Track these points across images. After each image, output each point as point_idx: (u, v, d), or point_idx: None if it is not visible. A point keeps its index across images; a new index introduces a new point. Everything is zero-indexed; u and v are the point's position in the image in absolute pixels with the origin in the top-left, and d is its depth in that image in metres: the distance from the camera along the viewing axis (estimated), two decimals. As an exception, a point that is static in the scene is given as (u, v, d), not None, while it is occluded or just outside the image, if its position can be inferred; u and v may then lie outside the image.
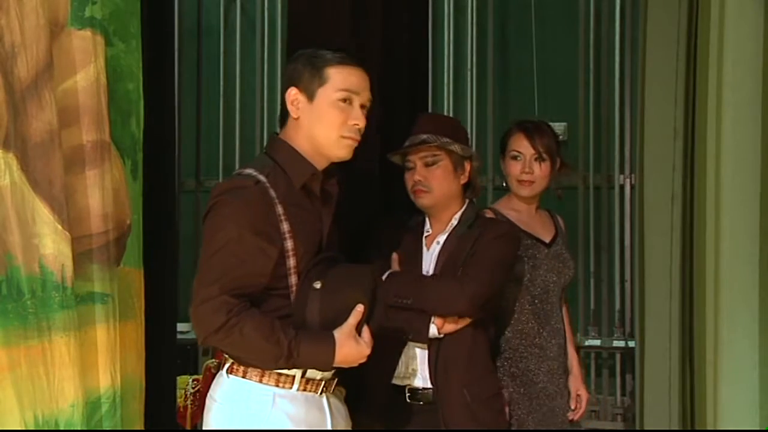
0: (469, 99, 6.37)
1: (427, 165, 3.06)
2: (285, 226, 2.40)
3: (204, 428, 2.49)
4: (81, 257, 2.40)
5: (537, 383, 3.27)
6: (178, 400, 5.30)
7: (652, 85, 3.28)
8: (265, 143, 7.45)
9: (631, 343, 5.48)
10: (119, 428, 2.47)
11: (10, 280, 2.27)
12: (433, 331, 2.92)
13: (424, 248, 3.10)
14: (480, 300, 2.92)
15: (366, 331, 2.42)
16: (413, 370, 3.00)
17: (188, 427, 5.43)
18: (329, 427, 2.49)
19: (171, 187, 3.21)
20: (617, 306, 6.02)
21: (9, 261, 2.27)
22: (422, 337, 2.94)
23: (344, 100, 2.48)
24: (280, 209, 2.40)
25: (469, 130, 6.29)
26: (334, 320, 2.39)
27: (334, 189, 2.59)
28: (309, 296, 2.40)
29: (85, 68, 2.42)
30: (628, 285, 5.93)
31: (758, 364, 2.92)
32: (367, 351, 2.42)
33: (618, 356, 6.03)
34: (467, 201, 3.15)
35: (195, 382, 5.52)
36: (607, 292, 6.04)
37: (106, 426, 2.44)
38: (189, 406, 5.42)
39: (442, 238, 3.09)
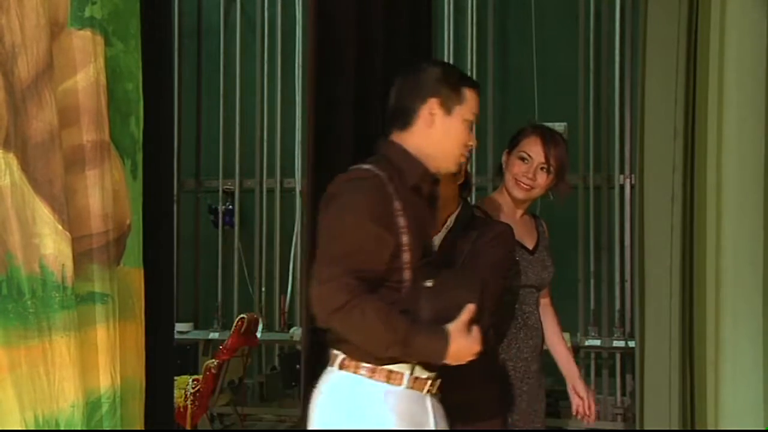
0: (469, 99, 6.35)
1: None
2: (402, 221, 2.44)
3: (311, 423, 2.49)
4: (81, 257, 2.39)
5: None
6: (179, 400, 5.31)
7: (652, 85, 3.27)
8: (265, 143, 7.49)
9: (631, 343, 5.48)
10: (119, 428, 2.47)
11: (10, 279, 2.27)
12: None
13: (418, 252, 3.10)
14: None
15: (476, 329, 2.44)
16: None
17: (188, 427, 5.43)
18: (432, 427, 2.51)
19: (170, 187, 3.21)
20: (617, 306, 6.03)
21: (9, 261, 2.27)
22: None
23: (470, 122, 2.58)
24: (397, 204, 2.44)
25: (468, 130, 6.30)
26: (445, 318, 2.42)
27: (438, 195, 2.66)
28: (420, 293, 2.44)
29: (85, 68, 2.42)
30: (628, 285, 5.93)
31: (762, 363, 2.91)
32: (478, 347, 2.43)
33: (618, 356, 6.03)
34: (462, 201, 3.13)
35: (195, 382, 5.52)
36: (607, 292, 6.04)
37: (106, 426, 2.44)
38: (189, 406, 5.42)
39: (437, 240, 3.08)
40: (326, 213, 2.45)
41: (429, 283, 2.45)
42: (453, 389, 2.96)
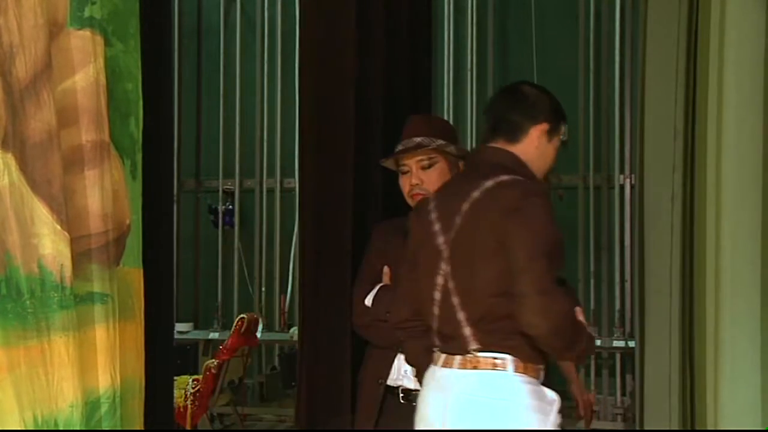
0: (469, 99, 6.37)
1: (423, 168, 3.05)
2: None
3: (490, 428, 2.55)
4: (80, 257, 2.39)
5: None
6: (179, 400, 5.31)
7: (652, 85, 3.27)
8: (265, 143, 7.49)
9: (631, 343, 5.49)
10: (119, 428, 2.47)
11: (9, 279, 2.26)
12: None
13: (417, 251, 3.10)
14: None
15: None
16: (405, 371, 3.02)
17: (188, 427, 5.43)
18: None
19: (170, 187, 3.21)
20: (617, 306, 6.03)
21: (8, 261, 2.26)
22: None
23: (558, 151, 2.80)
24: None
25: (468, 130, 6.31)
26: None
27: None
28: None
29: (84, 68, 2.41)
30: (628, 285, 5.93)
31: (759, 363, 2.91)
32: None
33: (618, 356, 6.04)
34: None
35: (195, 382, 5.52)
36: (607, 292, 6.04)
37: (105, 426, 2.43)
38: (189, 406, 5.43)
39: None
40: (515, 224, 2.55)
41: None
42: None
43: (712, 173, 3.01)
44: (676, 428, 3.16)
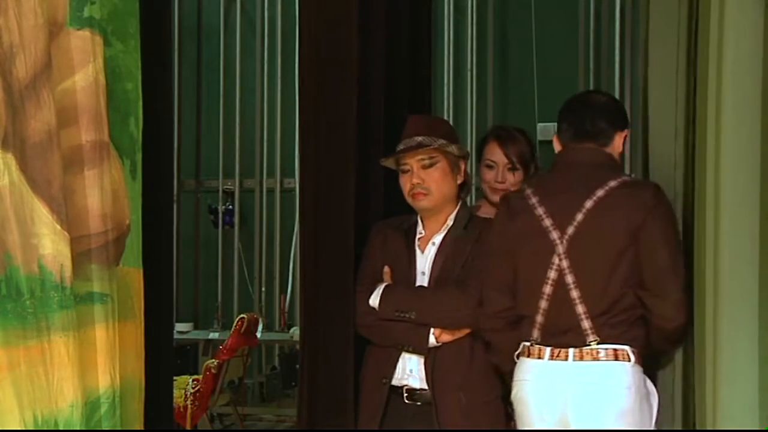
0: (469, 99, 6.37)
1: (424, 167, 3.06)
2: None
3: (624, 416, 2.69)
4: (80, 257, 2.39)
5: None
6: (178, 400, 5.31)
7: (653, 85, 3.28)
8: (265, 143, 7.50)
9: (631, 343, 5.47)
10: (118, 428, 2.47)
11: (9, 279, 2.26)
12: (431, 340, 2.95)
13: (418, 251, 3.11)
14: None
15: None
16: (411, 371, 3.02)
17: (188, 427, 5.43)
18: None
19: (170, 187, 3.21)
20: (617, 306, 6.01)
21: (8, 261, 2.27)
22: (422, 350, 2.97)
23: None
24: None
25: (468, 130, 6.31)
26: None
27: None
28: None
29: (84, 68, 2.42)
30: (628, 285, 5.91)
31: (758, 363, 2.91)
32: None
33: (618, 356, 6.01)
34: (461, 201, 3.16)
35: (195, 382, 5.52)
36: (607, 292, 6.02)
37: (105, 426, 2.43)
38: (189, 406, 5.43)
39: (438, 239, 3.10)
40: (656, 223, 2.73)
41: None
42: (450, 392, 2.97)
43: (711, 173, 3.01)
44: (676, 428, 3.15)
